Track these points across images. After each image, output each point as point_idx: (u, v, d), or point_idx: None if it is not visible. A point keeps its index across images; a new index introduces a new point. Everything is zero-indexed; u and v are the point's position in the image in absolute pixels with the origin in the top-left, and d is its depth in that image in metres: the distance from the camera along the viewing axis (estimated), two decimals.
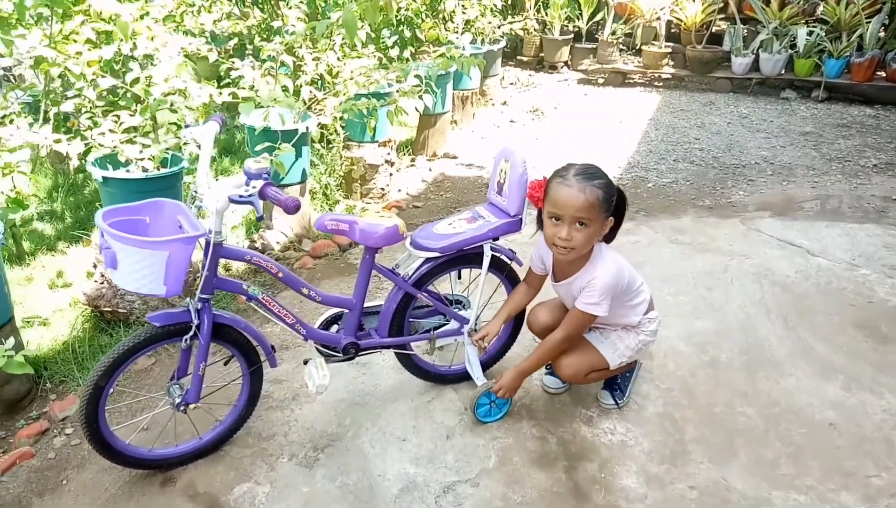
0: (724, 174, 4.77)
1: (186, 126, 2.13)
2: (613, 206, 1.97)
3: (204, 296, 1.96)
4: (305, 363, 2.17)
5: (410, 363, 2.43)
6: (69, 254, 3.45)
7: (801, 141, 5.49)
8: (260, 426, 2.33)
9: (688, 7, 7.37)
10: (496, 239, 2.28)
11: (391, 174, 4.32)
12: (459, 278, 2.46)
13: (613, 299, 2.08)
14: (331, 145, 4.29)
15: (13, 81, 4.71)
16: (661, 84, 7.51)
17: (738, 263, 3.43)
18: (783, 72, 6.94)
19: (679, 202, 4.27)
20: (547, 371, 2.53)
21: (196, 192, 1.94)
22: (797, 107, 6.55)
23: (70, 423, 2.32)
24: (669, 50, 7.60)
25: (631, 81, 7.61)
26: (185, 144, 2.78)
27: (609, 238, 2.10)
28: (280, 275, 2.06)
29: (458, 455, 2.20)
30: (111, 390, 1.95)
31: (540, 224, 2.08)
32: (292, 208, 1.71)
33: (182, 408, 2.05)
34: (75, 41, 2.57)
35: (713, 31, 7.53)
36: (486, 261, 2.27)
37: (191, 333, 1.95)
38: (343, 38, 3.54)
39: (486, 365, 2.56)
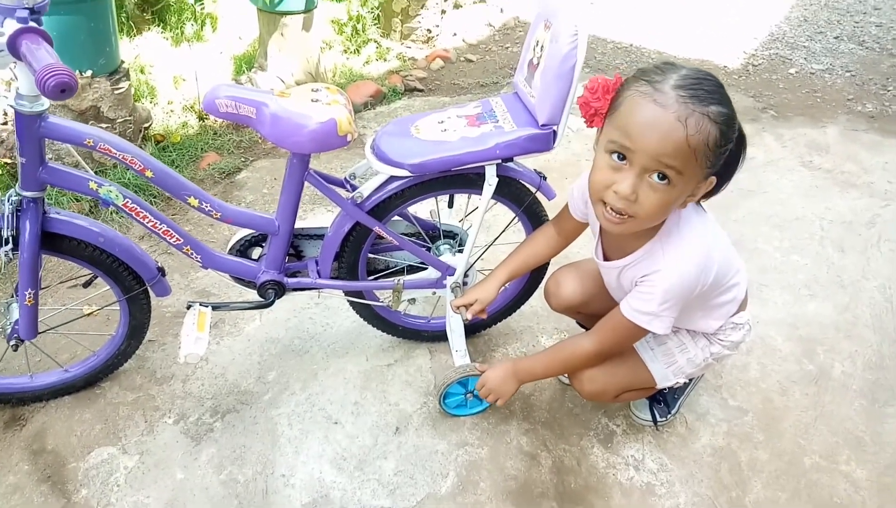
0: None
1: None
2: (725, 157, 1.08)
3: (26, 193, 1.26)
4: (188, 307, 1.47)
5: (371, 314, 1.71)
6: None
7: None
8: (157, 360, 1.73)
9: None
10: (509, 159, 1.41)
11: (444, 11, 3.31)
12: (450, 206, 1.64)
13: (688, 304, 1.24)
14: None
15: None
16: None
17: (894, 214, 2.37)
18: None
19: (828, 102, 3.08)
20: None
21: None
22: None
23: None
24: None
25: None
26: None
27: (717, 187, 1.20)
28: (148, 173, 1.31)
29: (403, 463, 1.53)
30: None
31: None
32: (51, 88, 0.90)
33: (13, 343, 1.45)
34: None
35: None
36: (487, 193, 1.43)
37: (8, 246, 1.28)
38: None
39: (481, 326, 1.81)
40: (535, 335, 1.86)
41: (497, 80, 3.10)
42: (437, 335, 1.78)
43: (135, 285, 1.49)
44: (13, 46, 0.97)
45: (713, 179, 1.12)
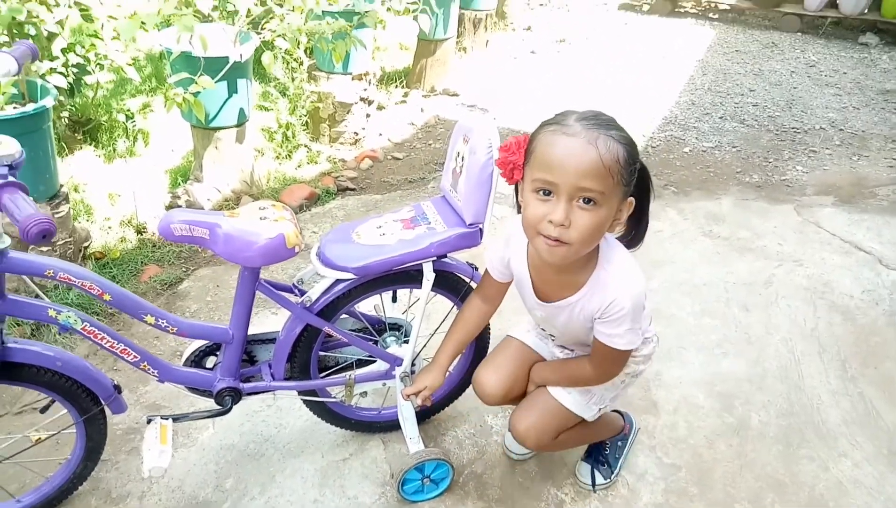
0: (780, 141, 3.89)
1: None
2: (636, 178, 1.22)
3: None
4: (149, 421, 1.52)
5: (324, 410, 1.78)
6: None
7: (879, 102, 4.52)
8: (112, 478, 1.73)
9: None
10: (443, 256, 1.56)
11: (368, 115, 3.54)
12: (394, 300, 1.77)
13: None
14: (294, 75, 3.50)
15: None
16: (716, 17, 6.42)
17: (788, 272, 2.66)
18: (866, 11, 5.82)
19: (720, 176, 3.45)
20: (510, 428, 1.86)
21: None
22: (878, 56, 5.48)
23: None
24: None
25: (682, 10, 6.52)
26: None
27: (633, 239, 1.39)
28: (106, 297, 1.38)
29: None
30: None
31: (519, 207, 1.32)
32: (33, 235, 1.00)
33: None
34: None
35: None
36: (426, 287, 1.56)
37: None
38: None
39: (431, 411, 1.90)
40: (482, 416, 1.97)
41: (423, 175, 3.31)
42: (389, 426, 1.85)
43: (91, 405, 1.52)
44: None
45: (632, 200, 1.24)
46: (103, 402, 1.53)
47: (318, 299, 1.55)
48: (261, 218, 1.43)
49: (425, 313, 1.64)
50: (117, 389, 1.54)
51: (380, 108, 3.80)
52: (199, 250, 2.62)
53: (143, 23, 2.06)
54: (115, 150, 3.12)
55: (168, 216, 1.37)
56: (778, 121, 4.15)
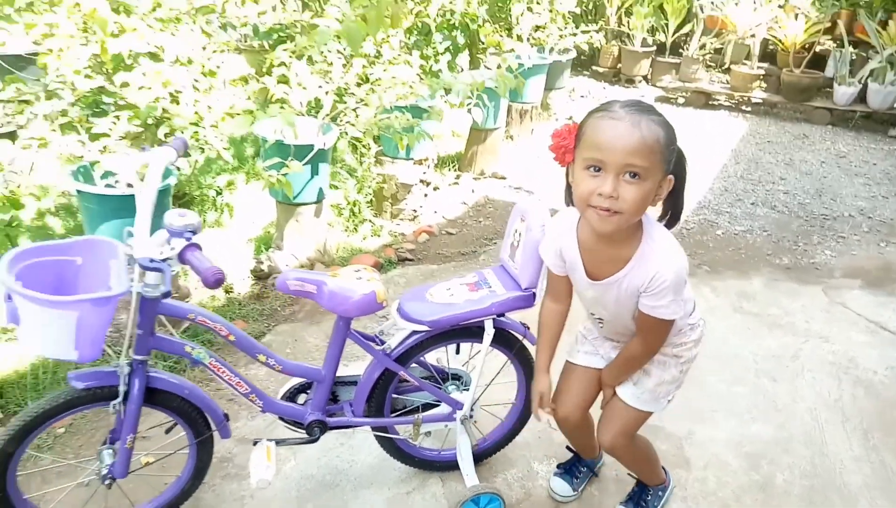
0: (809, 226, 4.13)
1: (143, 148, 1.81)
2: (674, 156, 1.42)
3: (137, 357, 1.64)
4: (255, 444, 1.81)
5: (392, 447, 2.05)
6: None
7: None
8: (209, 499, 2.01)
9: (788, 26, 6.61)
10: (502, 315, 1.86)
11: (426, 194, 3.94)
12: (457, 352, 2.06)
13: None
14: (363, 159, 3.94)
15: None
16: (748, 109, 6.80)
17: (814, 347, 2.86)
18: (894, 106, 6.12)
19: (751, 258, 3.69)
20: (557, 472, 2.09)
21: (130, 235, 1.61)
22: None
23: None
24: (762, 72, 6.86)
25: (715, 102, 6.93)
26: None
27: (671, 219, 1.56)
28: (232, 338, 1.72)
29: None
30: (23, 454, 1.66)
31: (569, 194, 1.54)
32: (212, 282, 1.35)
33: (107, 482, 1.74)
34: (64, 34, 2.30)
35: (815, 52, 6.73)
36: (487, 340, 1.85)
37: (119, 398, 1.64)
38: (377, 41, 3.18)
39: (484, 455, 2.15)
40: (529, 462, 2.20)
41: (475, 249, 3.65)
42: (447, 465, 2.10)
43: (205, 429, 1.83)
44: (181, 257, 1.42)
45: (671, 178, 1.42)
46: (215, 427, 1.84)
47: (396, 348, 1.85)
48: (357, 278, 1.76)
49: (482, 367, 1.92)
50: (226, 417, 1.85)
51: (435, 188, 4.20)
52: (278, 309, 2.97)
53: (253, 118, 2.48)
54: (205, 221, 3.56)
55: (285, 274, 1.72)
56: (808, 208, 4.40)
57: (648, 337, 1.62)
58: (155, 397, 1.71)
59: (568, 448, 2.10)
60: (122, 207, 2.39)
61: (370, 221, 3.81)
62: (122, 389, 1.63)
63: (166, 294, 1.50)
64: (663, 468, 2.03)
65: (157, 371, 1.73)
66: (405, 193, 3.79)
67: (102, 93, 2.39)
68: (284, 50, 2.82)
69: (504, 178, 4.67)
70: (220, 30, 3.65)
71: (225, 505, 1.99)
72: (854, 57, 6.44)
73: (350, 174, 3.91)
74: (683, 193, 1.53)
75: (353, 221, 3.77)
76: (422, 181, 3.85)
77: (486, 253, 3.59)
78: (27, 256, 1.56)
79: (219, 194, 3.71)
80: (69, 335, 1.46)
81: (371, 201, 3.89)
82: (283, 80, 2.96)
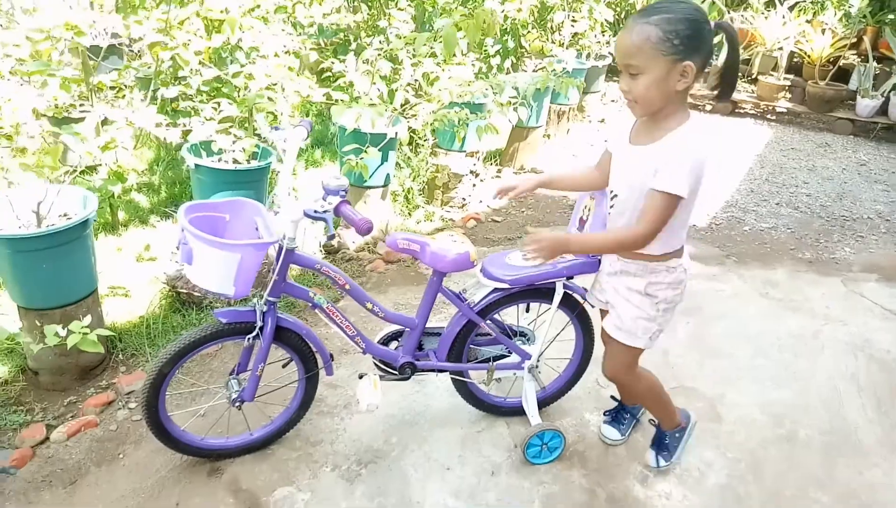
0: (830, 226, 4.42)
1: (275, 128, 2.16)
2: (689, 45, 1.54)
3: (271, 299, 1.98)
4: (360, 377, 2.15)
5: (465, 390, 2.38)
6: (158, 228, 3.61)
7: None
8: (309, 430, 2.35)
9: (815, 40, 6.89)
10: (570, 278, 2.19)
11: (474, 185, 4.27)
12: (527, 311, 2.38)
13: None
14: (418, 150, 4.29)
15: (133, 52, 4.99)
16: (773, 118, 7.08)
17: (833, 329, 3.16)
18: None
19: (775, 251, 3.99)
20: (606, 420, 2.42)
21: (276, 197, 1.96)
22: None
23: (134, 398, 2.42)
24: (788, 83, 7.13)
25: (741, 110, 7.21)
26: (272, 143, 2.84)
27: (721, 93, 1.72)
28: (347, 287, 2.06)
29: (501, 494, 2.13)
30: (173, 377, 2.01)
31: None
32: (364, 230, 1.69)
33: (238, 405, 2.09)
34: (188, 30, 2.66)
35: (840, 66, 7.00)
36: (557, 298, 2.18)
37: (254, 333, 1.98)
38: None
39: (543, 403, 2.47)
40: (581, 413, 2.52)
41: (520, 234, 3.98)
42: (512, 411, 2.43)
43: (314, 366, 2.17)
44: (337, 210, 1.77)
45: (687, 63, 1.54)
46: (322, 365, 2.18)
47: (479, 302, 2.18)
48: (452, 241, 2.09)
49: (546, 325, 2.24)
50: (331, 357, 2.19)
51: (482, 180, 4.54)
52: (406, 264, 3.31)
53: (346, 106, 2.83)
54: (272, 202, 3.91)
55: (394, 235, 2.05)
56: (829, 209, 4.69)
57: (640, 221, 1.69)
58: (280, 334, 2.05)
59: (612, 397, 2.42)
60: (229, 180, 2.74)
61: (422, 207, 4.15)
62: (258, 324, 1.97)
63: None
64: (683, 409, 2.29)
65: (283, 315, 2.07)
66: (456, 182, 4.13)
67: (217, 82, 2.74)
68: (373, 48, 3.15)
69: (542, 172, 4.99)
70: (293, 28, 4.03)
71: (322, 435, 2.33)
72: (878, 71, 6.71)
73: (406, 163, 4.25)
74: (733, 67, 1.70)
75: (408, 206, 4.11)
76: (471, 172, 4.19)
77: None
78: (193, 210, 1.92)
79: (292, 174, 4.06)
80: (231, 273, 1.81)
81: (423, 188, 4.23)
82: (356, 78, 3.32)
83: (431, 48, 3.40)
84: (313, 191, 1.92)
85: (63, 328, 1.85)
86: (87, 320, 1.91)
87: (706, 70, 1.65)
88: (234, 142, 2.67)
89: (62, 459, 2.16)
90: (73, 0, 3.98)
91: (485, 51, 4.32)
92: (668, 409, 2.22)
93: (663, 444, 2.28)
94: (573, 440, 2.38)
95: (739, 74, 7.53)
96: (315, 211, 1.79)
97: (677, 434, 2.28)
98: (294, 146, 1.99)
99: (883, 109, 6.53)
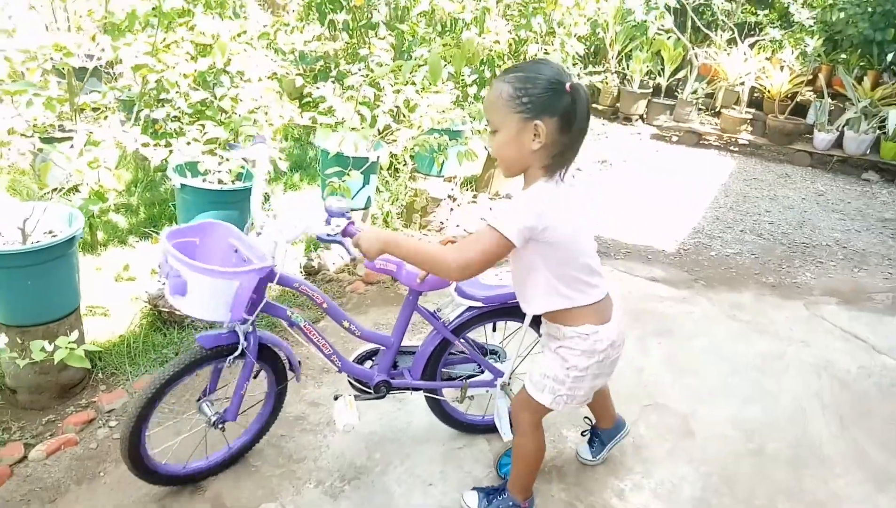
0: (791, 252, 4.61)
1: (230, 146, 2.19)
2: (538, 103, 1.52)
3: (249, 317, 2.00)
4: (336, 398, 2.18)
5: (440, 410, 2.41)
6: (137, 249, 3.60)
7: (878, 227, 5.27)
8: (292, 447, 2.36)
9: (774, 76, 7.23)
10: None
11: (452, 209, 4.36)
12: (494, 330, 2.43)
13: (528, 246, 1.64)
14: (398, 174, 4.37)
15: (111, 75, 5.00)
16: (736, 149, 7.36)
17: (797, 350, 3.29)
18: (867, 152, 6.70)
19: (741, 276, 4.15)
20: (581, 441, 2.47)
21: (253, 219, 1.98)
22: (879, 190, 6.30)
23: (115, 416, 2.41)
24: (750, 116, 7.45)
25: (706, 142, 7.49)
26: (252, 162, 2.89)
27: (552, 163, 1.59)
28: (325, 306, 2.10)
29: None
30: (152, 414, 1.95)
31: None
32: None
33: (220, 426, 2.09)
34: (175, 53, 2.72)
35: (798, 101, 7.35)
36: (529, 317, 2.24)
37: (237, 352, 1.98)
38: (425, 75, 3.63)
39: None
40: (559, 429, 2.58)
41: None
42: (489, 429, 2.48)
43: (283, 377, 2.20)
44: (344, 231, 1.82)
45: (537, 123, 1.51)
46: (294, 371, 2.19)
47: (453, 320, 2.23)
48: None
49: (514, 343, 2.30)
50: (300, 364, 2.20)
51: (458, 204, 4.63)
52: (385, 286, 3.34)
53: (331, 130, 2.90)
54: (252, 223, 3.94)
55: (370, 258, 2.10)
56: (790, 237, 4.89)
57: (466, 244, 1.65)
58: (259, 351, 2.07)
59: (586, 418, 2.48)
60: (214, 200, 2.78)
61: (400, 229, 4.21)
62: (242, 344, 1.98)
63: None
64: (533, 498, 2.13)
65: (260, 330, 2.10)
66: (434, 206, 4.21)
67: (202, 105, 2.79)
68: (359, 75, 3.24)
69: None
70: (276, 54, 4.10)
71: (306, 452, 2.35)
72: (832, 107, 7.06)
73: (385, 187, 4.33)
74: (571, 141, 1.57)
75: (386, 229, 4.17)
76: (449, 196, 4.28)
77: (505, 260, 3.99)
78: (173, 237, 1.93)
79: (266, 200, 4.09)
80: (227, 300, 1.82)
81: (402, 212, 4.30)
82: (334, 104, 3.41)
83: (412, 76, 3.51)
84: (293, 213, 1.93)
85: (49, 344, 1.86)
86: (75, 335, 1.92)
87: (567, 130, 1.56)
88: (219, 163, 2.72)
89: (41, 478, 2.13)
90: (51, 21, 4.01)
91: (462, 80, 4.45)
92: (527, 480, 2.09)
93: (494, 496, 2.13)
94: (551, 456, 2.43)
95: (705, 107, 7.86)
96: (328, 235, 1.83)
97: (511, 504, 2.09)
98: (262, 164, 2.04)
99: (838, 143, 6.85)
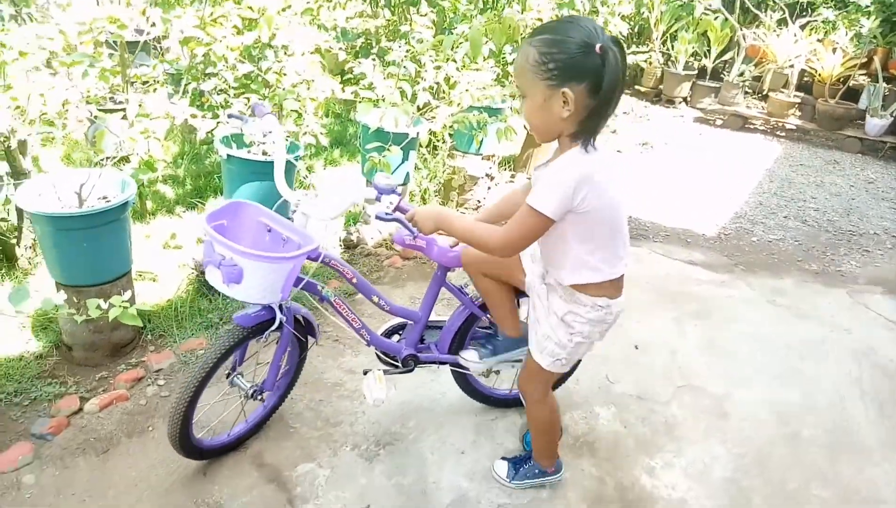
0: (837, 240, 4.50)
1: (231, 116, 2.16)
2: (564, 70, 1.43)
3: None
4: (365, 373, 2.22)
5: (466, 385, 2.43)
6: (184, 218, 3.72)
7: None
8: (329, 411, 2.44)
9: (826, 59, 6.99)
10: None
11: (489, 188, 4.37)
12: (518, 306, 2.44)
13: (565, 217, 1.57)
14: (436, 152, 4.39)
15: (159, 49, 5.12)
16: (783, 134, 7.17)
17: (839, 336, 3.23)
18: None
19: (783, 262, 4.07)
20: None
21: (296, 206, 1.98)
22: None
23: (162, 375, 2.52)
24: (798, 100, 7.23)
25: (751, 126, 7.31)
26: (303, 134, 2.95)
27: (581, 129, 1.51)
28: (354, 280, 2.12)
29: None
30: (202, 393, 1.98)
31: None
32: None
33: (258, 396, 2.15)
34: (222, 24, 2.78)
35: (850, 85, 7.10)
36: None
37: (275, 326, 2.00)
38: (466, 52, 3.63)
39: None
40: (591, 406, 2.60)
41: None
42: (518, 402, 2.51)
43: (306, 346, 2.25)
44: (399, 209, 1.84)
45: (564, 90, 1.43)
46: (314, 337, 2.23)
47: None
48: None
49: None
50: (318, 327, 2.25)
51: (496, 183, 4.64)
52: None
53: (372, 105, 2.93)
54: None
55: (401, 231, 2.12)
56: (836, 224, 4.77)
57: (511, 224, 1.60)
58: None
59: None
60: (258, 170, 2.85)
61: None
62: (280, 318, 2.02)
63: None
64: (560, 461, 2.18)
65: (292, 303, 2.14)
66: (472, 184, 4.23)
67: (246, 78, 2.85)
68: (399, 50, 3.27)
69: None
70: (318, 30, 4.14)
71: (342, 417, 2.42)
72: (887, 91, 6.80)
73: (423, 164, 4.36)
74: (603, 105, 1.47)
75: (423, 206, 4.21)
76: (487, 175, 4.29)
77: None
78: (212, 218, 1.96)
79: (309, 171, 4.17)
80: (280, 283, 1.85)
81: (440, 189, 4.33)
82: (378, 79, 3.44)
83: (453, 53, 3.51)
84: (336, 189, 1.96)
85: (104, 302, 1.95)
86: (127, 295, 2.01)
87: (595, 94, 1.45)
88: (265, 135, 2.77)
89: (95, 429, 2.25)
90: None
91: (503, 57, 4.42)
92: (550, 447, 2.14)
93: (521, 464, 2.18)
94: (583, 432, 2.46)
95: (751, 91, 7.66)
96: (386, 213, 1.85)
97: (537, 471, 2.17)
98: (278, 136, 2.06)
99: (892, 129, 6.61)
